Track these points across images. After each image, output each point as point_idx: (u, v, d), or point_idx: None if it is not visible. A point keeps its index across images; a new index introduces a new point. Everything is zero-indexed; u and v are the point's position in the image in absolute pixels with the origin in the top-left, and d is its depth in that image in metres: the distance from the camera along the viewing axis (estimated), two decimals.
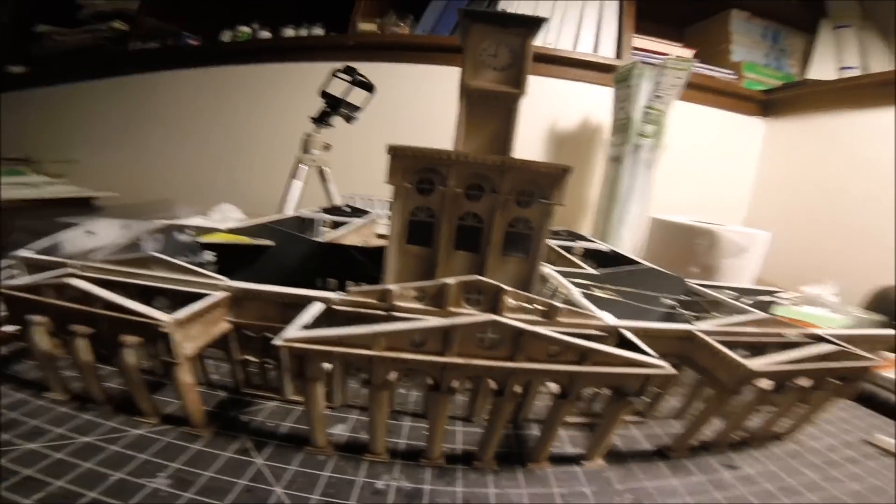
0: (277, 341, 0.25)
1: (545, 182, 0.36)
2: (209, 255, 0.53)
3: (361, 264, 0.53)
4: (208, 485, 0.25)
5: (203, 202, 1.14)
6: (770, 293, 0.56)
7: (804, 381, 0.32)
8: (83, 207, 1.20)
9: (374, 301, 0.32)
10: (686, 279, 0.52)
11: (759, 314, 0.40)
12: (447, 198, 0.36)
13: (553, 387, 0.28)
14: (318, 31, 1.39)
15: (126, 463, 0.26)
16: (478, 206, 0.36)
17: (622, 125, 1.09)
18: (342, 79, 0.87)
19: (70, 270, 0.34)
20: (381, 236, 1.00)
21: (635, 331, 0.32)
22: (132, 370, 0.30)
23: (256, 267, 0.54)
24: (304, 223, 0.82)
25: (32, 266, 0.37)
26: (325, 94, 0.88)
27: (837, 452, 0.35)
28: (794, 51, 1.36)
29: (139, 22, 1.50)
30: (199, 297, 0.31)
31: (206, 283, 0.33)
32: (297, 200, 0.88)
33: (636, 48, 1.29)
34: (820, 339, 0.37)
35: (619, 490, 0.28)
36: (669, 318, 0.51)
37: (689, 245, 0.71)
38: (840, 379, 0.34)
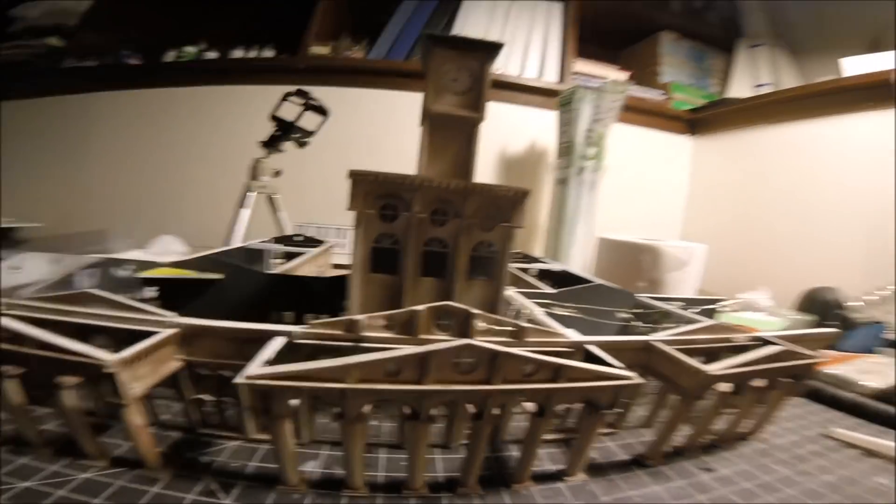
0: (239, 379, 0.23)
1: (506, 205, 0.37)
2: (150, 292, 0.50)
3: (318, 295, 0.52)
4: None
5: (141, 233, 1.08)
6: (713, 301, 0.60)
7: (759, 382, 0.34)
8: (3, 239, 1.09)
9: (341, 332, 0.31)
10: (635, 293, 0.55)
11: (708, 321, 0.42)
12: (412, 224, 0.35)
13: (529, 406, 0.28)
14: (269, 52, 1.36)
15: None
16: (442, 231, 0.36)
17: (566, 148, 1.15)
18: (294, 102, 0.85)
19: None
20: (337, 266, 0.98)
21: (599, 345, 0.33)
22: (73, 412, 0.27)
23: (204, 302, 0.51)
24: (254, 255, 0.79)
25: None
26: (275, 118, 0.86)
27: (802, 447, 0.38)
28: (715, 70, 1.48)
29: (77, 38, 1.41)
30: (143, 334, 0.29)
31: (153, 321, 0.31)
32: (244, 230, 0.85)
33: (577, 72, 1.36)
34: (765, 341, 0.39)
35: (605, 502, 0.28)
36: (624, 330, 0.53)
37: (635, 261, 0.75)
38: (790, 377, 0.36)
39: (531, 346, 0.31)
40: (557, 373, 0.27)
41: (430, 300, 0.37)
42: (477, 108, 0.37)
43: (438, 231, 0.36)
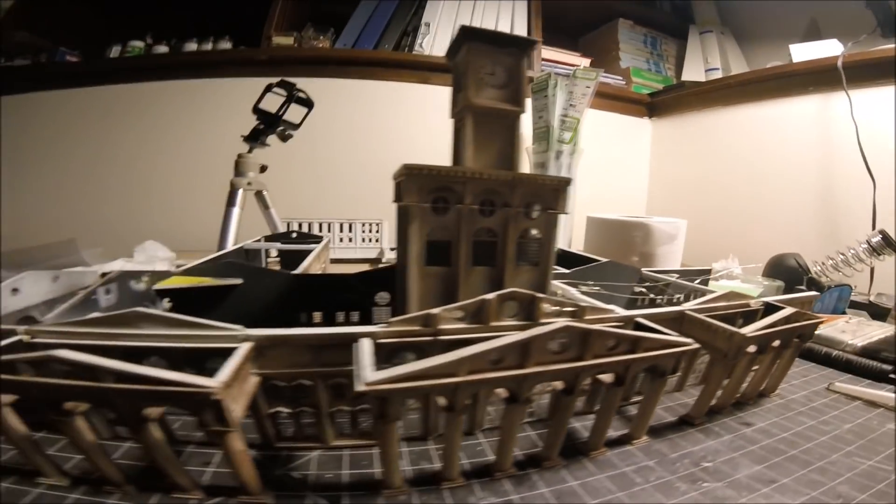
0: (360, 387, 0.24)
1: (549, 194, 0.38)
2: (166, 303, 0.48)
3: (345, 293, 0.52)
4: None
5: (108, 242, 1.00)
6: (704, 272, 0.65)
7: (776, 342, 0.39)
8: None
9: (418, 328, 0.31)
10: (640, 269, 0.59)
11: (722, 290, 0.46)
12: (463, 215, 0.36)
13: (605, 377, 0.30)
14: (226, 45, 1.29)
15: None
16: (490, 221, 0.38)
17: (542, 133, 1.18)
18: (278, 94, 0.82)
19: (22, 338, 0.28)
20: (335, 261, 0.97)
21: (646, 317, 0.36)
22: (159, 444, 0.26)
23: (225, 310, 0.49)
24: (250, 255, 0.77)
25: None
26: (258, 111, 0.83)
27: (814, 401, 0.42)
28: (669, 55, 1.58)
29: (5, 36, 1.27)
30: (205, 353, 0.28)
31: (223, 336, 0.30)
32: (235, 230, 0.81)
33: (544, 59, 1.40)
34: (772, 305, 0.44)
35: (674, 458, 0.31)
36: (634, 303, 0.57)
37: (626, 238, 0.80)
38: (798, 337, 0.41)
39: (594, 322, 0.33)
40: (635, 344, 0.29)
41: (481, 289, 0.38)
42: (517, 101, 0.38)
43: (487, 221, 0.38)
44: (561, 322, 0.27)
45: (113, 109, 1.28)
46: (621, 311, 0.37)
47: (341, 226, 1.09)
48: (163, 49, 1.29)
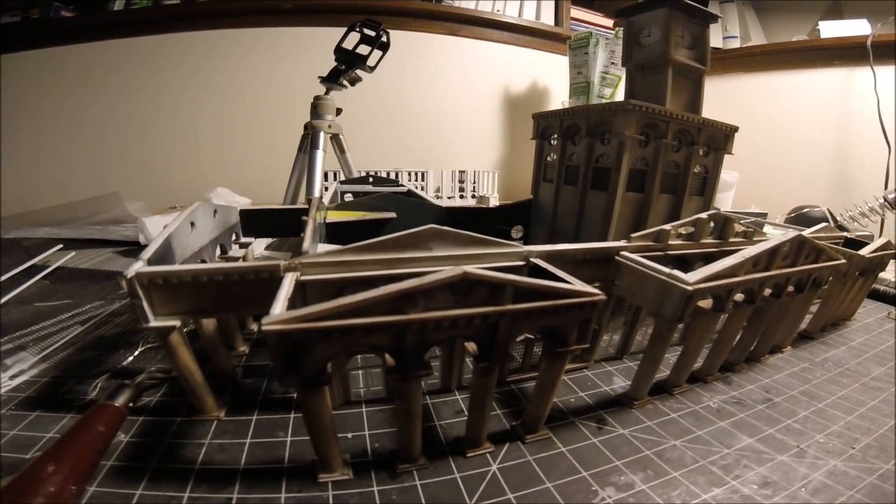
0: (686, 287, 0.29)
1: (722, 137, 0.46)
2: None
3: (486, 223, 0.57)
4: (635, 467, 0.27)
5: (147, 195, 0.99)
6: (762, 215, 0.76)
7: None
8: None
9: (651, 243, 0.38)
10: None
11: (823, 225, 0.55)
12: (661, 149, 0.43)
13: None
14: None
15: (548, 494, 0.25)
16: (677, 156, 0.45)
17: (581, 88, 1.24)
18: (365, 34, 0.81)
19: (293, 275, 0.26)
20: None
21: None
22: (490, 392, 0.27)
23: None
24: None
25: (169, 286, 0.25)
26: (340, 50, 0.82)
27: (885, 326, 0.53)
28: None
29: None
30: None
31: (510, 253, 0.32)
32: (321, 172, 0.83)
33: (573, 18, 1.43)
34: (852, 241, 0.54)
35: (819, 361, 0.41)
36: None
37: None
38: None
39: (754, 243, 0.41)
40: (818, 256, 0.38)
41: (664, 214, 0.46)
42: (703, 61, 0.44)
43: (675, 156, 0.44)
44: (792, 233, 0.34)
45: (124, 64, 1.19)
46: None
47: (387, 174, 1.12)
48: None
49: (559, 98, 1.40)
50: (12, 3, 1.17)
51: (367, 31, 0.81)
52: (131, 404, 0.29)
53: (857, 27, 1.02)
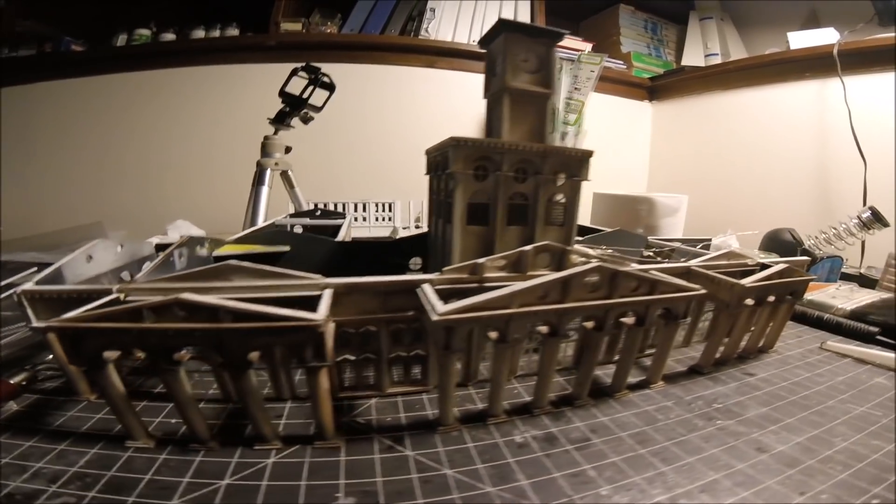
0: (434, 317, 0.28)
1: (574, 163, 0.44)
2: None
3: (385, 256, 0.57)
4: (393, 489, 0.25)
5: (119, 227, 1.05)
6: (703, 241, 0.71)
7: (771, 297, 0.44)
8: None
9: (467, 276, 0.37)
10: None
11: (725, 250, 0.52)
12: (500, 181, 0.42)
13: (628, 320, 0.36)
14: (233, 31, 1.32)
15: (295, 493, 0.25)
16: (524, 187, 0.43)
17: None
18: (303, 77, 0.86)
19: (119, 296, 0.31)
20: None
21: (657, 270, 0.42)
22: (255, 391, 0.29)
23: None
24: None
25: (47, 300, 0.32)
26: (283, 94, 0.87)
27: (808, 357, 0.47)
28: (669, 41, 1.62)
29: (7, 25, 1.29)
30: (293, 301, 0.30)
31: (308, 285, 0.33)
32: (265, 208, 0.86)
33: None
34: (764, 265, 0.50)
35: (688, 400, 0.37)
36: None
37: (632, 211, 0.86)
38: (790, 294, 0.46)
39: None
40: (653, 287, 0.35)
41: (515, 246, 0.44)
42: (547, 85, 0.43)
43: (520, 186, 0.43)
44: (594, 262, 0.32)
45: (122, 97, 1.31)
46: (637, 266, 0.42)
47: (355, 206, 1.14)
48: (170, 37, 1.32)
49: None
50: (29, 37, 1.31)
51: (303, 74, 0.85)
52: (24, 384, 0.36)
53: (825, 36, 0.96)
